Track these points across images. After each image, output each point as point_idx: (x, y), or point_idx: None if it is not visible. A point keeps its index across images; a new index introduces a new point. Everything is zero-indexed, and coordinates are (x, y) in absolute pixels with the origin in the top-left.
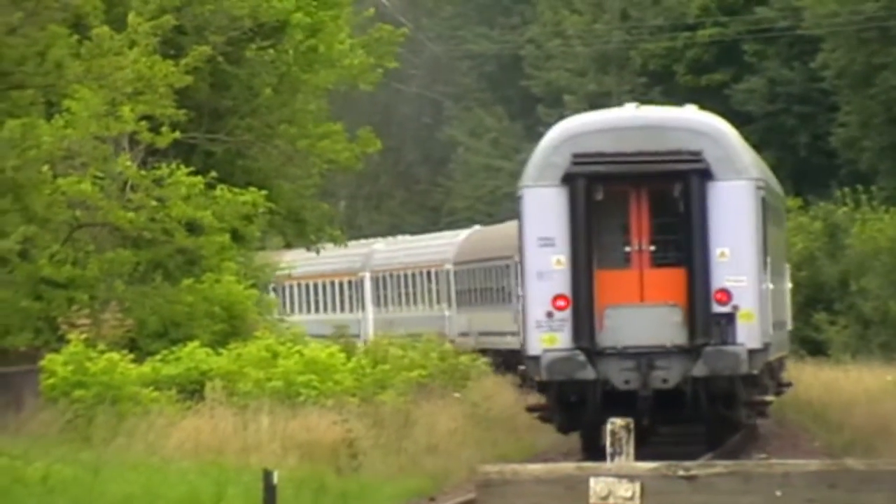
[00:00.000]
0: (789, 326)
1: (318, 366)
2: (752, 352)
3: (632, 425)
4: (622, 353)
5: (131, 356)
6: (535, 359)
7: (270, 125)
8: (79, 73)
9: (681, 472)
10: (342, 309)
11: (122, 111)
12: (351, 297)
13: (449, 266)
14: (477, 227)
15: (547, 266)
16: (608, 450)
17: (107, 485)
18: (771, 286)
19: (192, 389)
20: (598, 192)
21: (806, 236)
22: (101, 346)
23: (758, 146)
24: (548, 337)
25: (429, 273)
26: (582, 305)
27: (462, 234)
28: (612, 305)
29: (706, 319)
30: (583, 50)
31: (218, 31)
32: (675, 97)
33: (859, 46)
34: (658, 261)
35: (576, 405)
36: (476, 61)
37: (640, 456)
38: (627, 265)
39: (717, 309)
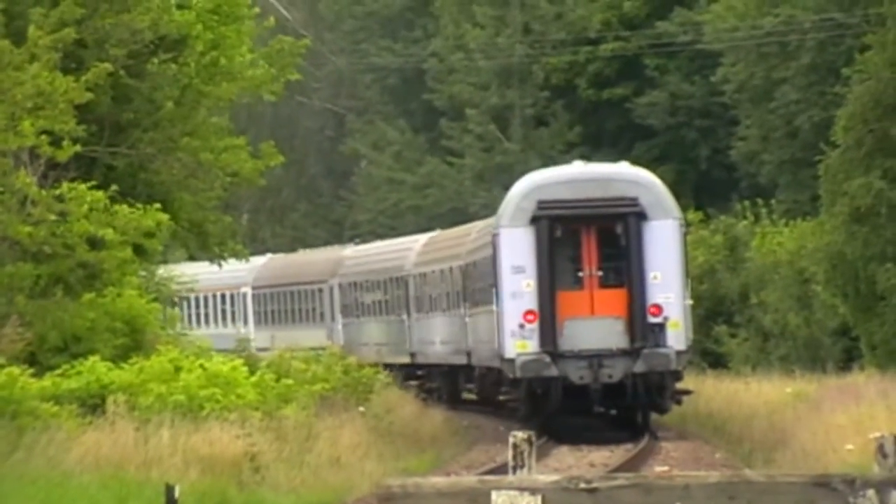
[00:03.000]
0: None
1: (220, 379)
2: (678, 353)
3: (533, 438)
4: (578, 355)
5: (31, 370)
6: (511, 361)
7: (173, 138)
8: None
9: (582, 485)
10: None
11: (23, 125)
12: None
13: (247, 289)
14: (270, 255)
15: (519, 288)
16: (510, 463)
17: (6, 500)
18: (690, 302)
19: (92, 404)
20: (558, 230)
21: (707, 249)
22: (1, 361)
23: (659, 159)
24: (520, 343)
25: (224, 296)
26: (546, 318)
27: (261, 260)
28: (569, 318)
29: (643, 328)
30: (485, 64)
31: (119, 45)
32: (577, 111)
33: (759, 61)
34: (605, 283)
35: (541, 397)
36: (379, 74)
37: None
38: (581, 286)
39: (652, 320)
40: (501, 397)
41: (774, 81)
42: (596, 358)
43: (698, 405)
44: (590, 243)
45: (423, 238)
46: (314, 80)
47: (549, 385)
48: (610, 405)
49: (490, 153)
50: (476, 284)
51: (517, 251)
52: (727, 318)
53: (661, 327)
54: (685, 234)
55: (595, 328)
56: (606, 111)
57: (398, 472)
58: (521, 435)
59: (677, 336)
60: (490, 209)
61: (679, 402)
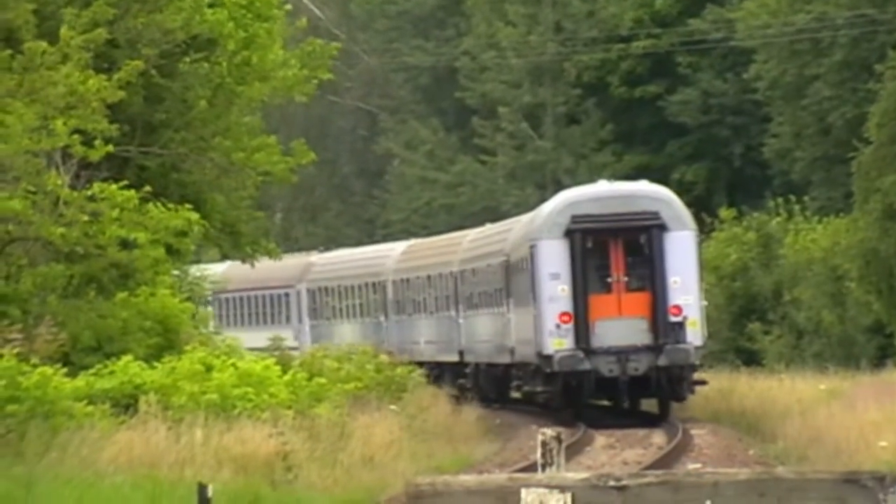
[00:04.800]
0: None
1: (252, 378)
2: (696, 348)
3: (563, 436)
4: (608, 351)
5: (65, 370)
6: (549, 357)
7: (205, 138)
8: (11, 88)
9: (611, 483)
10: None
11: (55, 125)
12: None
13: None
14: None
15: (555, 292)
16: (539, 461)
17: (40, 500)
18: (705, 303)
19: (126, 403)
20: (589, 241)
21: (740, 247)
22: (35, 361)
23: (692, 157)
24: (557, 341)
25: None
26: (580, 319)
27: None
28: (600, 318)
29: (665, 326)
30: (517, 62)
31: (151, 44)
32: (609, 109)
33: (791, 58)
34: (630, 287)
35: (576, 388)
36: (411, 73)
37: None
38: (609, 290)
39: (672, 319)
40: (539, 389)
41: (807, 78)
42: (624, 353)
43: (731, 402)
44: (617, 252)
45: (400, 246)
46: (346, 80)
47: (583, 378)
48: (636, 395)
49: (522, 151)
50: (473, 290)
51: (553, 260)
52: (761, 316)
53: (680, 326)
54: (700, 243)
55: (622, 327)
56: (639, 109)
57: (431, 471)
58: (549, 432)
59: (695, 333)
60: (522, 207)
61: (693, 392)
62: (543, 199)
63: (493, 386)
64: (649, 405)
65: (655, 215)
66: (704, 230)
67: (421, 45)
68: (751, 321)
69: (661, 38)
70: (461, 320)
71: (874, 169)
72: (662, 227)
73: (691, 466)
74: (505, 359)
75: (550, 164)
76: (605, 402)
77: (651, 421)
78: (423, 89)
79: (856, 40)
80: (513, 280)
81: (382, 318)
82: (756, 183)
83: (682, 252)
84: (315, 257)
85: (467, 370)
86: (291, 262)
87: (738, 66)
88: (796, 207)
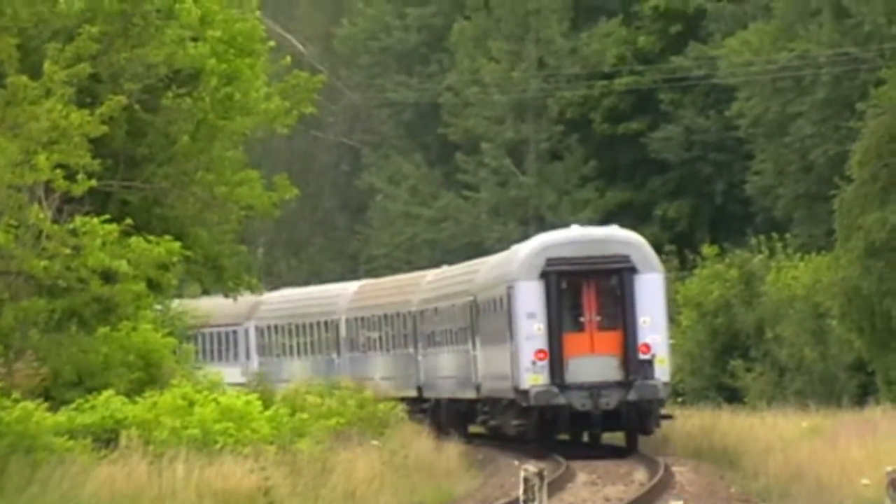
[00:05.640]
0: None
1: (234, 414)
2: (664, 384)
3: (545, 472)
4: (581, 387)
5: (46, 405)
6: (525, 392)
7: (187, 172)
8: None
9: None
10: None
11: (38, 160)
12: None
13: None
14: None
15: (531, 331)
16: (521, 497)
17: None
18: (672, 341)
19: (107, 438)
20: (563, 283)
21: (722, 284)
22: (16, 396)
23: (674, 194)
24: (533, 377)
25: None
26: (554, 356)
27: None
28: (573, 356)
29: (635, 363)
30: (500, 98)
31: (134, 79)
32: (592, 145)
33: (773, 95)
34: (602, 326)
35: (550, 422)
36: (394, 109)
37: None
38: (582, 329)
39: (642, 357)
40: (514, 423)
41: (789, 116)
42: (596, 389)
43: (713, 439)
44: (590, 293)
45: (352, 286)
46: (330, 115)
47: (558, 412)
48: (607, 428)
49: (505, 187)
50: (434, 328)
51: (529, 300)
52: (743, 353)
53: (649, 363)
54: (670, 283)
55: (595, 364)
56: (621, 145)
57: None
58: (532, 469)
59: (663, 370)
60: (505, 243)
61: (659, 426)
62: (526, 235)
63: (454, 420)
64: (611, 438)
65: (626, 258)
66: (686, 267)
67: (404, 81)
68: (733, 358)
69: (643, 75)
70: (420, 357)
71: (856, 206)
72: (633, 270)
73: (673, 503)
74: (470, 394)
75: (533, 199)
76: (564, 437)
77: (619, 453)
78: (407, 124)
79: (838, 78)
80: (481, 319)
81: (335, 355)
82: (738, 220)
83: (651, 293)
84: (264, 296)
85: (425, 405)
86: (239, 300)
87: (720, 104)
88: (778, 245)
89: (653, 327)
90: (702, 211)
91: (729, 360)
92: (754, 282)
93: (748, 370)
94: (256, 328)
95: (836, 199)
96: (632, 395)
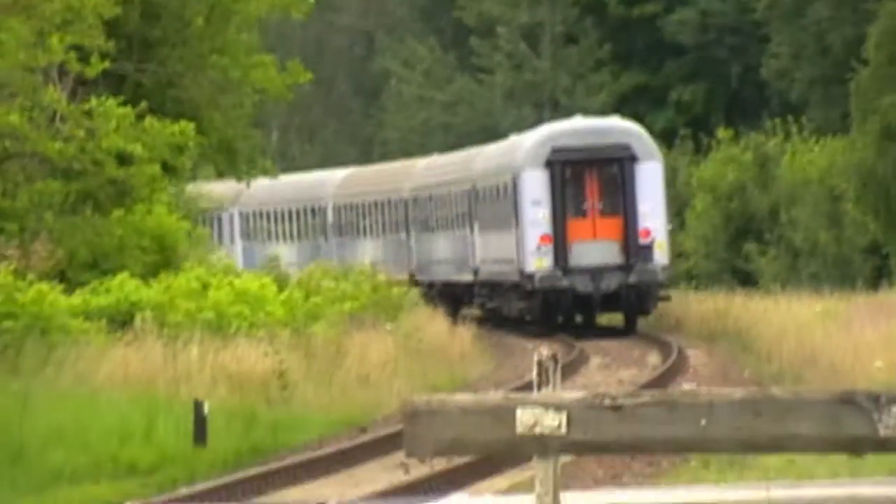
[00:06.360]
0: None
1: (249, 297)
2: (663, 267)
3: (559, 356)
4: (583, 270)
5: (61, 287)
6: (531, 275)
7: (201, 55)
8: (6, 4)
9: (607, 402)
10: None
11: (51, 41)
12: None
13: None
14: None
15: (536, 217)
16: (535, 380)
17: (36, 416)
18: (671, 226)
19: (122, 320)
20: (567, 171)
21: (737, 167)
22: (31, 277)
23: (689, 77)
24: (538, 261)
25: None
26: (559, 241)
27: None
28: (576, 241)
29: (635, 248)
30: None
31: None
32: (607, 28)
33: None
34: (604, 212)
35: (553, 304)
36: None
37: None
38: (585, 215)
39: (642, 241)
40: (517, 305)
41: None
42: (598, 272)
43: (727, 323)
44: (592, 181)
45: (339, 173)
46: None
47: (561, 294)
48: (608, 310)
49: (520, 71)
50: (428, 214)
51: (535, 188)
52: (757, 236)
53: (649, 247)
54: (665, 174)
55: (597, 249)
56: (636, 29)
57: (426, 390)
58: (545, 352)
59: (662, 254)
60: (520, 127)
61: (656, 307)
62: (541, 119)
63: (448, 302)
64: (606, 319)
65: (627, 147)
66: (701, 150)
67: None
68: (747, 241)
69: None
70: (413, 243)
71: (872, 89)
72: (633, 159)
73: (686, 386)
74: (467, 277)
75: (548, 83)
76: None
77: (617, 334)
78: (421, 8)
79: None
80: (480, 206)
81: (322, 240)
82: (754, 103)
83: (650, 181)
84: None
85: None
86: (224, 186)
87: None
88: (794, 128)
89: (652, 213)
90: (717, 94)
91: (743, 244)
92: (769, 165)
93: (762, 254)
94: (241, 213)
95: (852, 82)
96: (632, 278)
